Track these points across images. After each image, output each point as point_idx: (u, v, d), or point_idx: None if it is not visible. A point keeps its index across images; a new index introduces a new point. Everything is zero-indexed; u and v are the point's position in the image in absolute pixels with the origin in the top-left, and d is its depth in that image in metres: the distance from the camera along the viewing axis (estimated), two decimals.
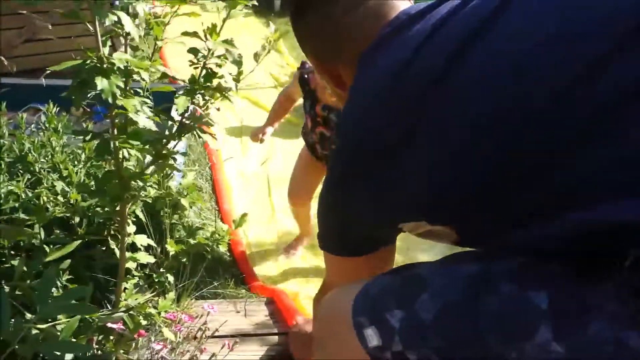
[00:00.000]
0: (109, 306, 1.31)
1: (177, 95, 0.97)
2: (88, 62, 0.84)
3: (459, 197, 0.61)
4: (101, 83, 0.84)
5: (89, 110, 1.32)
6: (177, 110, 0.98)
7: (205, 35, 0.93)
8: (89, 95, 0.87)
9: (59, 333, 0.92)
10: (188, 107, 0.98)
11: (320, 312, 0.82)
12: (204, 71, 0.98)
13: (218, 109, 1.03)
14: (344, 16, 0.75)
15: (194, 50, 0.96)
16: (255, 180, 2.43)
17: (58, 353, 0.83)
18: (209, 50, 0.94)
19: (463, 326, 0.59)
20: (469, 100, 0.58)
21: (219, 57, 0.96)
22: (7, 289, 1.14)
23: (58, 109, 1.59)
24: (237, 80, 0.99)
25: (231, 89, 0.97)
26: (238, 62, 0.94)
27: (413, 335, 0.63)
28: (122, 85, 0.87)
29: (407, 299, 0.64)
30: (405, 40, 0.66)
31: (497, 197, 0.58)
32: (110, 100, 0.85)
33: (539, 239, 0.57)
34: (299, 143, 2.80)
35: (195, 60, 0.96)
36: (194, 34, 0.92)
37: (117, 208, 1.10)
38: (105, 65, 0.85)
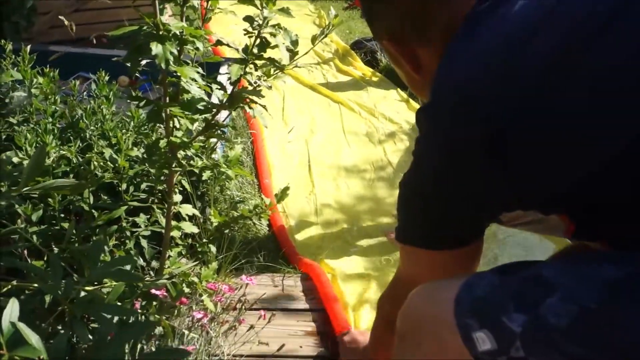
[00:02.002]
0: (152, 273, 1.34)
1: (229, 63, 0.96)
2: (145, 28, 0.84)
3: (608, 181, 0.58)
4: (156, 48, 0.84)
5: (137, 76, 1.33)
6: (229, 78, 0.97)
7: (262, 4, 0.92)
8: (143, 62, 0.88)
9: (105, 296, 0.94)
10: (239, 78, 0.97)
11: (410, 308, 0.77)
12: (258, 40, 0.96)
13: (270, 87, 1.02)
14: None
15: (249, 19, 0.94)
16: (295, 156, 2.44)
17: (107, 315, 0.85)
18: (264, 19, 0.93)
19: (611, 333, 0.55)
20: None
21: (273, 26, 0.94)
22: (55, 250, 1.18)
23: (109, 77, 1.61)
24: (292, 59, 0.98)
25: (286, 66, 0.95)
26: (294, 43, 0.93)
27: (540, 341, 0.59)
28: (175, 52, 0.87)
29: (530, 302, 0.60)
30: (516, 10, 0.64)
31: None
32: (163, 65, 0.85)
33: None
34: (340, 120, 2.79)
35: (250, 29, 0.94)
36: (250, 2, 0.91)
37: (165, 176, 1.11)
38: (161, 32, 0.85)
